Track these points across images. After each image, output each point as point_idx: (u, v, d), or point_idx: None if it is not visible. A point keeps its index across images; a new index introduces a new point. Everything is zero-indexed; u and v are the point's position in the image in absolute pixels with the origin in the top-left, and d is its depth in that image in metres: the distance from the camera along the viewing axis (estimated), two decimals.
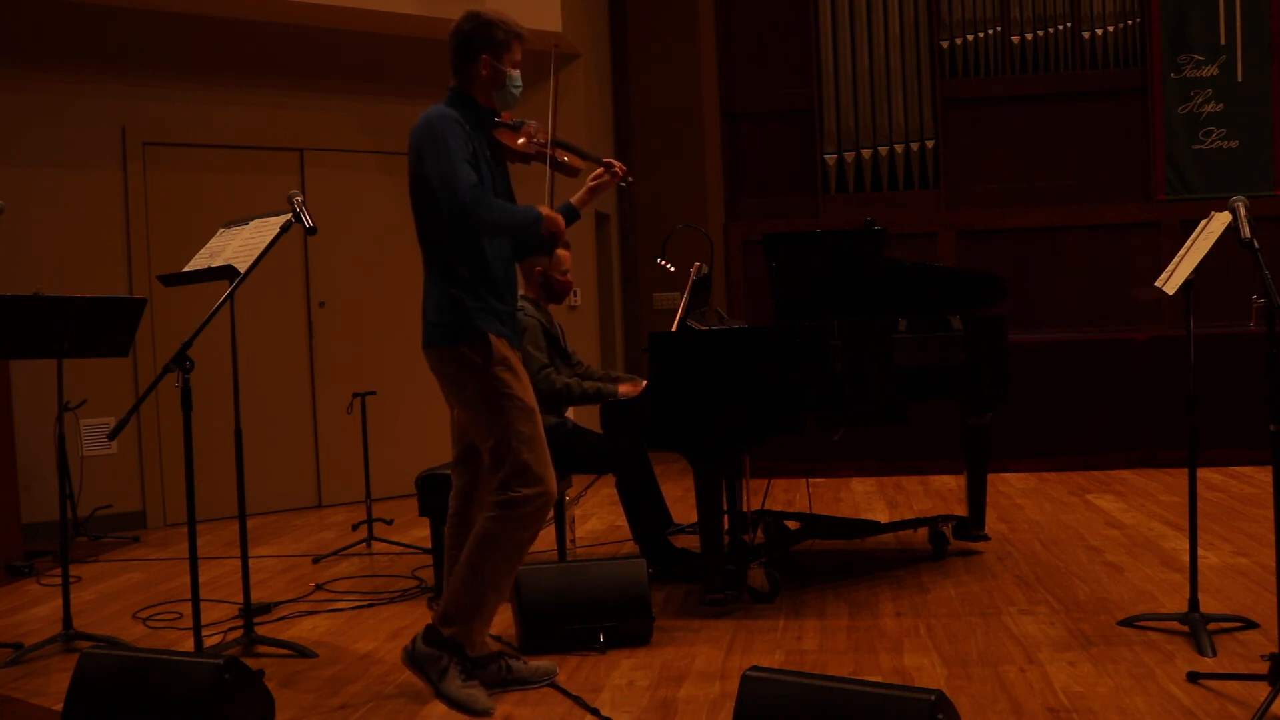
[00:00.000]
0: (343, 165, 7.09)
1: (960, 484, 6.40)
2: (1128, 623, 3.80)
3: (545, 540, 5.14)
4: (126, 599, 4.81)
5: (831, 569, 4.83)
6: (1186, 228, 4.33)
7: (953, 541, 5.05)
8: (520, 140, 3.32)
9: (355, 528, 5.88)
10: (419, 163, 3.18)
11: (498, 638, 3.74)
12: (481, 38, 3.25)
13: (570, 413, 4.90)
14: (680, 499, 6.32)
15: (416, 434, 6.92)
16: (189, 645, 3.61)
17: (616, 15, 9.15)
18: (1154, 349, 7.29)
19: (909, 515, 5.79)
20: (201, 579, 4.00)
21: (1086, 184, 8.94)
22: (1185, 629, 3.63)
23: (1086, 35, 8.82)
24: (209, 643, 3.84)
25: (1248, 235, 3.07)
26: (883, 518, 5.82)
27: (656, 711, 3.16)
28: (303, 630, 4.18)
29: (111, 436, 3.18)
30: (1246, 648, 3.50)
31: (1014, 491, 6.59)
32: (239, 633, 3.92)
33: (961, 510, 5.33)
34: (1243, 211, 3.17)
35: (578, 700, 3.25)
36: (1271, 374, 3.02)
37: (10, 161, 6.18)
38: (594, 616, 3.73)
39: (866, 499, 6.58)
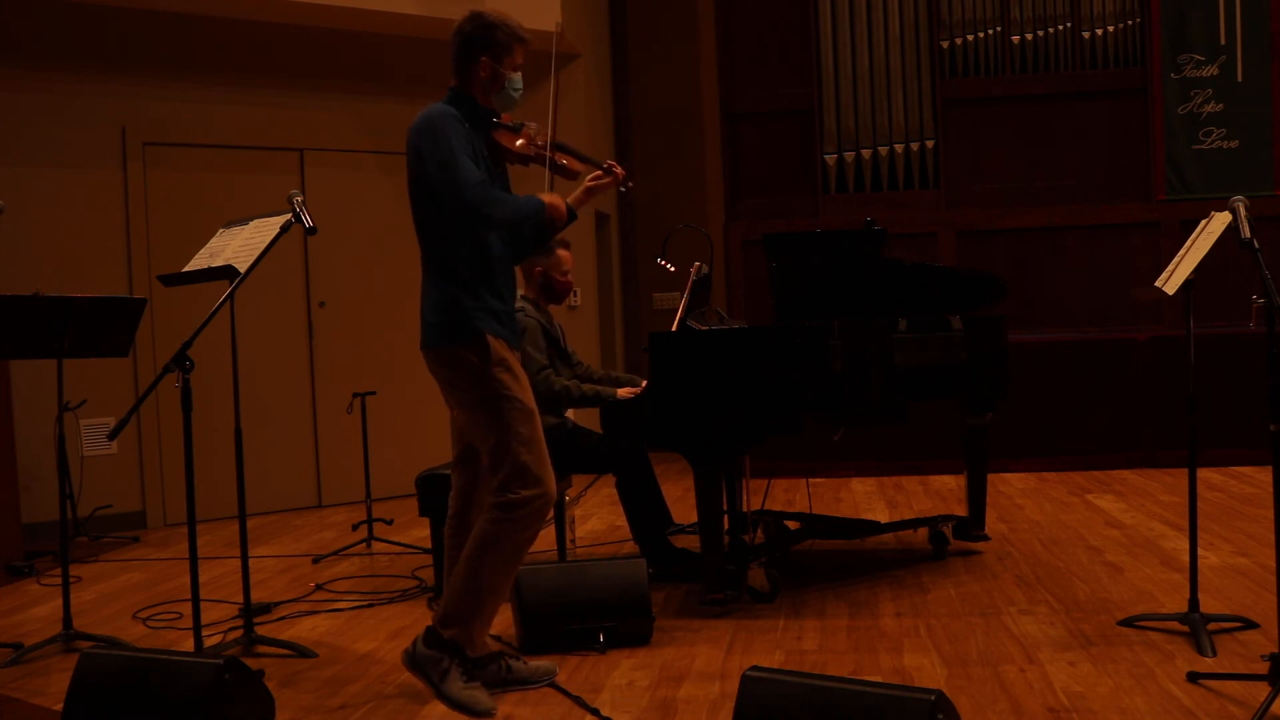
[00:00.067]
0: (343, 165, 7.09)
1: (960, 484, 6.40)
2: (1128, 623, 3.80)
3: (545, 540, 5.14)
4: (126, 599, 4.81)
5: (831, 569, 4.83)
6: (1186, 228, 4.33)
7: (953, 541, 5.05)
8: (520, 142, 3.32)
9: (355, 528, 5.88)
10: (419, 161, 3.17)
11: (498, 638, 3.74)
12: (482, 39, 3.25)
13: (570, 413, 4.90)
14: (680, 499, 6.32)
15: (416, 434, 6.92)
16: (189, 645, 3.61)
17: (616, 15, 9.15)
18: (1154, 349, 7.29)
19: (909, 515, 5.79)
20: (201, 579, 4.00)
21: (1086, 184, 8.94)
22: (1185, 629, 3.63)
23: (1086, 35, 8.82)
24: (209, 643, 3.84)
25: (1248, 235, 3.07)
26: (883, 518, 5.82)
27: (656, 711, 3.16)
28: (303, 630, 4.18)
29: (111, 436, 3.18)
30: (1246, 648, 3.50)
31: (1014, 491, 6.59)
32: (239, 633, 3.92)
33: (961, 510, 5.33)
34: (1243, 211, 3.17)
35: (578, 700, 3.25)
36: (1271, 374, 3.02)
37: (10, 161, 6.18)
38: (594, 616, 3.73)
39: (866, 499, 6.58)
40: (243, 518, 3.97)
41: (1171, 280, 3.59)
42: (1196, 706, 3.03)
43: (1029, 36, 8.86)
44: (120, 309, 4.19)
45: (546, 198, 3.28)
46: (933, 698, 2.27)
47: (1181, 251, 3.65)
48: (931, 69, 8.94)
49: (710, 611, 4.13)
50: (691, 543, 4.78)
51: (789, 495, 6.74)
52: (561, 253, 4.68)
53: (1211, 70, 8.70)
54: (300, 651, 3.83)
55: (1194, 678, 3.21)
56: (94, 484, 6.30)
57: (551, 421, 4.64)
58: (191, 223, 6.23)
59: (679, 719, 3.11)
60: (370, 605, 4.52)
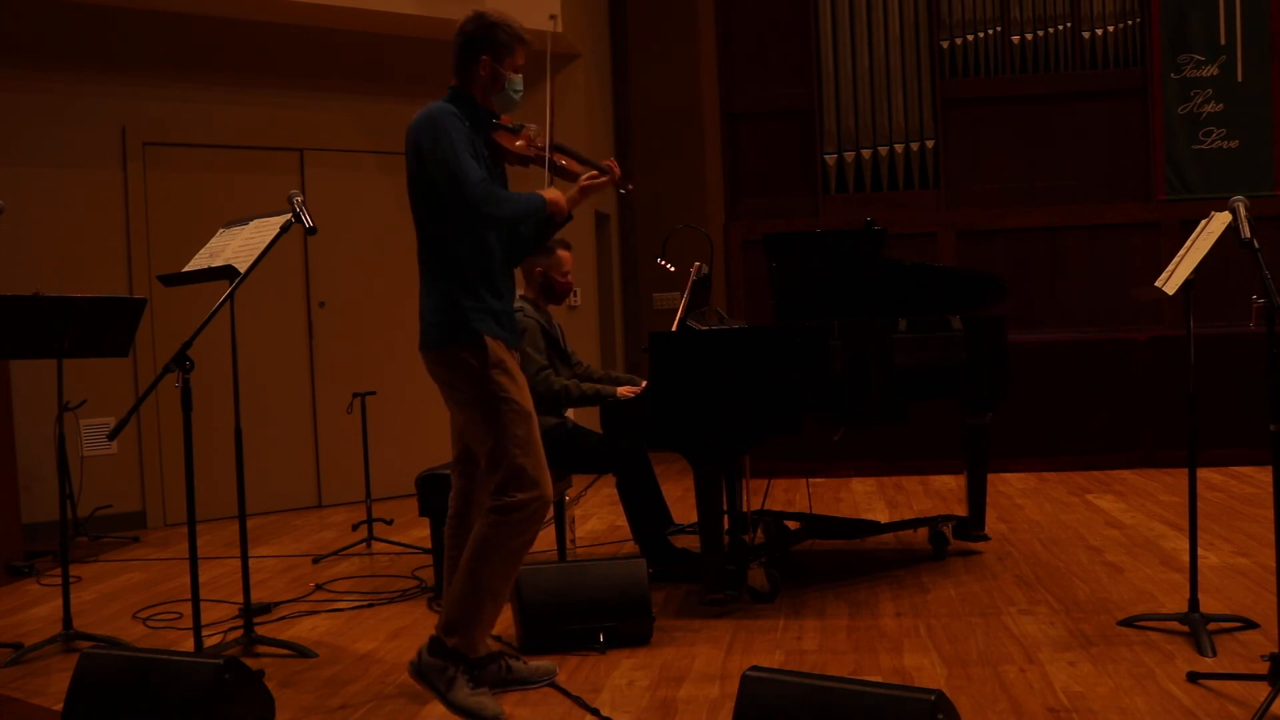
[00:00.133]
0: (343, 165, 7.09)
1: (960, 484, 6.40)
2: (1128, 623, 3.80)
3: (545, 540, 5.14)
4: (126, 599, 4.81)
5: (831, 569, 4.83)
6: (1186, 228, 4.33)
7: (953, 541, 5.05)
8: (519, 143, 3.32)
9: (355, 528, 5.88)
10: (419, 159, 3.15)
11: (498, 638, 3.74)
12: (484, 38, 3.24)
13: (570, 413, 4.90)
14: (680, 499, 6.32)
15: (416, 434, 6.92)
16: (189, 645, 3.61)
17: (616, 15, 9.15)
18: (1154, 349, 7.29)
19: (909, 515, 5.79)
20: (201, 579, 4.00)
21: (1086, 184, 8.94)
22: (1185, 629, 3.63)
23: (1086, 35, 8.82)
24: (209, 643, 3.84)
25: (1248, 235, 3.07)
26: (883, 518, 5.83)
27: (656, 711, 3.16)
28: (303, 630, 4.18)
29: (111, 436, 3.17)
30: (1246, 648, 3.50)
31: (1014, 491, 6.59)
32: (239, 633, 3.92)
33: (961, 510, 5.33)
34: (1243, 211, 3.17)
35: (578, 700, 3.25)
36: (1271, 374, 3.02)
37: (10, 161, 6.18)
38: (594, 616, 3.73)
39: (866, 499, 6.58)
40: (243, 518, 3.97)
41: (1171, 280, 3.59)
42: (1196, 706, 3.03)
43: (1029, 36, 8.86)
44: (120, 309, 4.19)
45: (547, 194, 3.29)
46: (933, 698, 2.27)
47: (1181, 251, 3.65)
48: (931, 69, 8.94)
49: (710, 611, 4.13)
50: (691, 543, 4.78)
51: (789, 495, 6.74)
52: (561, 253, 4.68)
53: (1211, 70, 8.70)
54: (300, 651, 3.83)
55: (1194, 678, 3.21)
56: (94, 484, 6.30)
57: (551, 421, 4.64)
58: (191, 223, 6.23)
59: (679, 719, 3.11)
60: (370, 605, 4.52)
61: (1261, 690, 3.01)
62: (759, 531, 4.98)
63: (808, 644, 3.74)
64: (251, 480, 4.48)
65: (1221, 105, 8.69)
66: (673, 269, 5.25)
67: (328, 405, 6.96)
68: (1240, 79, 8.68)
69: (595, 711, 3.16)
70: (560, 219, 3.39)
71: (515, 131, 3.34)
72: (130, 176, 6.51)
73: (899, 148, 8.92)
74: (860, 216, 5.80)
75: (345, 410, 6.10)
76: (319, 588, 4.86)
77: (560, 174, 3.38)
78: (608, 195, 8.41)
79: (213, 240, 3.89)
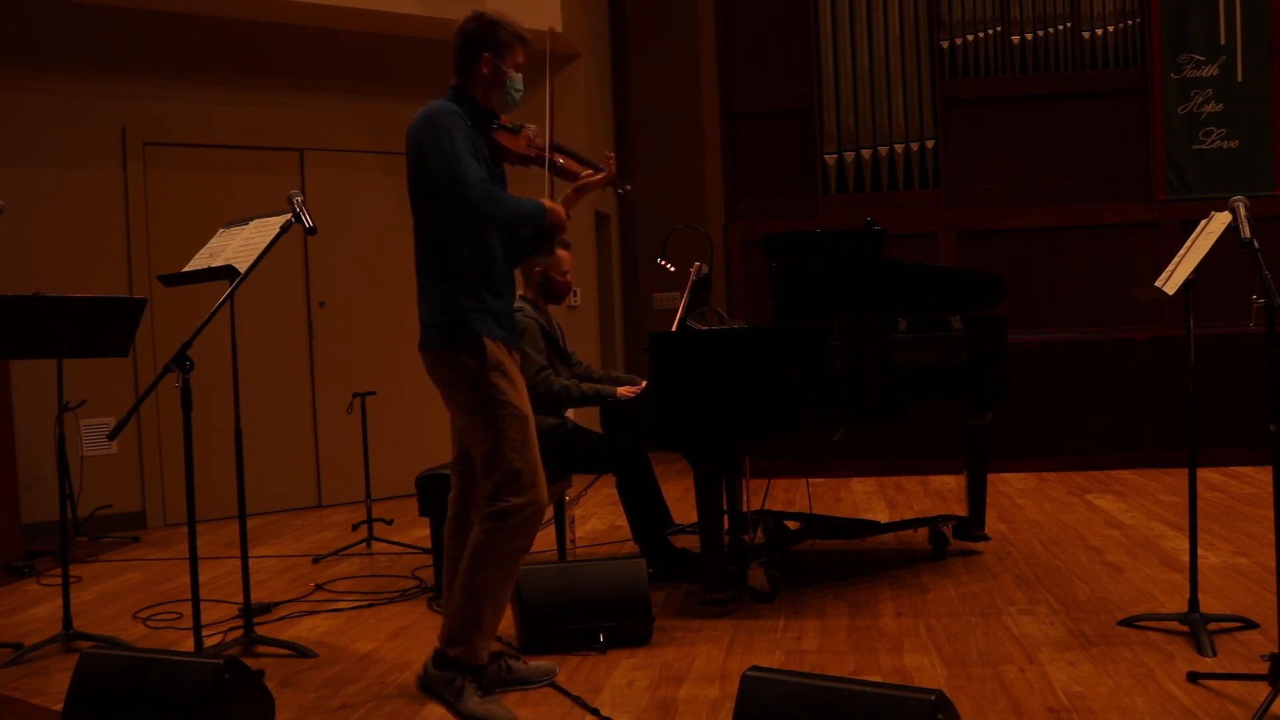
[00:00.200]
0: (343, 165, 7.09)
1: (960, 484, 6.40)
2: (1128, 623, 3.80)
3: (545, 540, 5.15)
4: (126, 599, 4.81)
5: (831, 569, 4.83)
6: (1186, 228, 4.33)
7: (953, 541, 5.05)
8: (519, 143, 3.32)
9: (355, 528, 5.88)
10: (420, 157, 3.14)
11: (497, 638, 3.74)
12: (486, 36, 3.24)
13: (570, 413, 4.90)
14: (680, 499, 6.32)
15: (416, 434, 6.92)
16: (189, 645, 3.61)
17: (616, 15, 9.15)
18: (1154, 349, 7.29)
19: (909, 515, 5.79)
20: (201, 579, 4.00)
21: (1086, 184, 8.94)
22: (1185, 629, 3.63)
23: (1086, 35, 8.82)
24: (209, 643, 3.84)
25: (1248, 235, 3.07)
26: (883, 518, 5.83)
27: (656, 711, 3.16)
28: (303, 630, 4.18)
29: (111, 436, 3.17)
30: (1246, 648, 3.50)
31: (1014, 491, 6.59)
32: (239, 633, 3.92)
33: (961, 510, 5.33)
34: (1243, 211, 3.17)
35: (578, 700, 3.25)
36: (1271, 374, 3.02)
37: (10, 161, 6.18)
38: (594, 616, 3.73)
39: (866, 499, 6.58)
40: (243, 518, 3.96)
41: (1171, 280, 3.59)
42: (1196, 706, 3.03)
43: (1029, 36, 8.86)
44: (120, 309, 4.19)
45: (548, 203, 3.26)
46: (933, 698, 2.27)
47: (1181, 251, 3.65)
48: (931, 69, 8.94)
49: (710, 611, 4.13)
50: (691, 543, 4.79)
51: (789, 495, 6.74)
52: (561, 253, 4.68)
53: (1211, 70, 8.70)
54: (300, 651, 3.83)
55: (1194, 678, 3.21)
56: (94, 484, 6.30)
57: (551, 421, 4.64)
58: (191, 223, 6.24)
59: (679, 719, 3.11)
60: (370, 605, 4.52)
61: (1261, 690, 3.01)
62: (759, 531, 4.98)
63: (808, 644, 3.74)
64: (251, 480, 4.48)
65: (1221, 105, 8.69)
66: (673, 269, 5.25)
67: (328, 405, 6.96)
68: (1240, 79, 8.68)
69: (595, 711, 3.16)
70: (560, 229, 3.36)
71: (515, 131, 3.34)
72: (130, 176, 6.51)
73: (899, 148, 8.92)
74: (860, 216, 5.80)
75: (345, 410, 6.10)
76: (319, 588, 4.86)
77: (560, 174, 3.38)
78: (608, 195, 8.41)
79: (213, 240, 3.89)
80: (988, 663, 3.47)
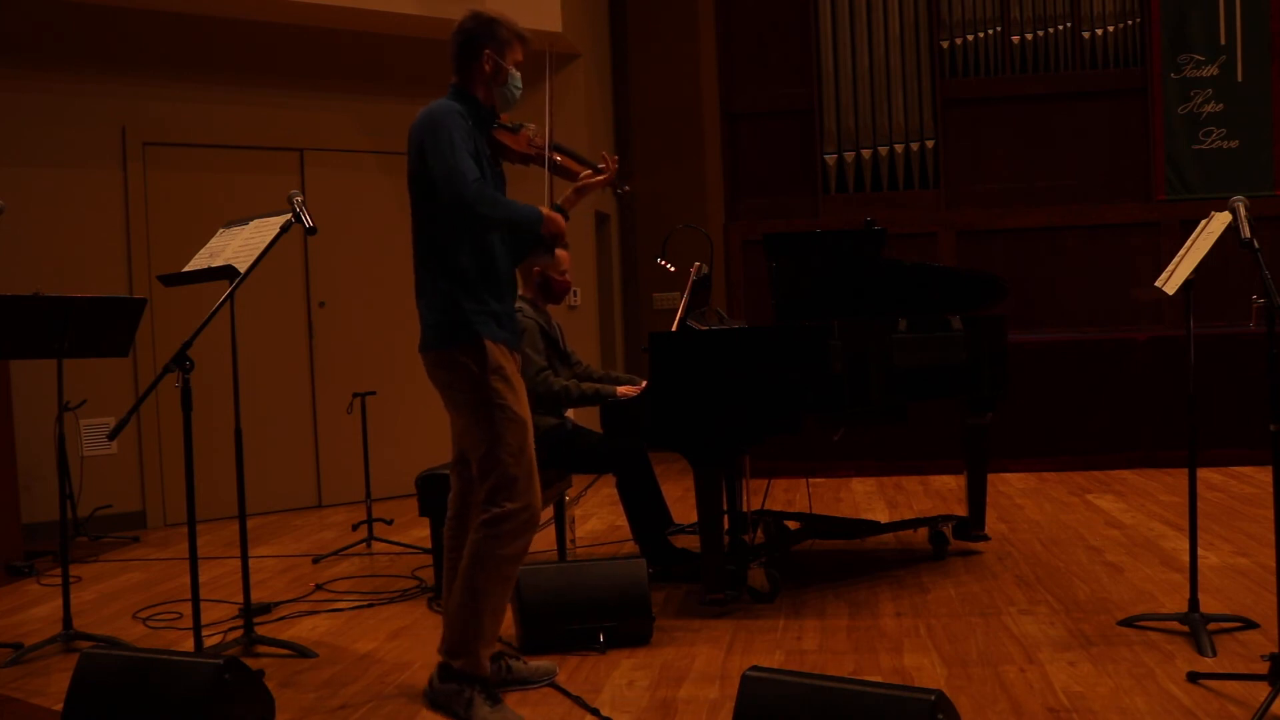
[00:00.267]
0: (343, 165, 7.10)
1: (960, 484, 6.40)
2: (1128, 623, 3.80)
3: (545, 540, 5.15)
4: (126, 599, 4.81)
5: (831, 569, 4.83)
6: (1186, 228, 4.34)
7: (953, 541, 5.05)
8: (519, 142, 3.32)
9: (355, 528, 5.88)
10: (420, 156, 3.14)
11: (498, 638, 3.74)
12: (485, 34, 3.24)
13: (570, 413, 4.90)
14: (680, 499, 6.32)
15: (416, 434, 6.92)
16: (189, 645, 3.61)
17: (616, 15, 9.15)
18: (1154, 349, 7.29)
19: (909, 515, 5.79)
20: (201, 579, 4.00)
21: (1086, 184, 8.94)
22: (1185, 629, 3.63)
23: (1086, 35, 8.82)
24: (209, 643, 3.84)
25: (1248, 235, 3.07)
26: (883, 518, 5.83)
27: (656, 711, 3.16)
28: (303, 630, 4.18)
29: (111, 436, 3.17)
30: (1246, 648, 3.50)
31: (1014, 491, 6.59)
32: (239, 633, 3.92)
33: (961, 510, 5.33)
34: (1243, 211, 3.17)
35: (578, 700, 3.25)
36: (1271, 374, 3.02)
37: (10, 161, 6.18)
38: (594, 616, 3.73)
39: (866, 499, 6.58)
40: (243, 518, 3.96)
41: (1171, 280, 3.59)
42: (1196, 706, 3.03)
43: (1029, 36, 8.86)
44: (120, 309, 4.19)
45: (546, 211, 3.24)
46: (933, 698, 2.27)
47: (1181, 251, 3.65)
48: (931, 69, 8.94)
49: (710, 611, 4.13)
50: (691, 543, 4.79)
51: (789, 495, 6.74)
52: (560, 252, 4.66)
53: (1211, 70, 8.70)
54: (300, 651, 3.83)
55: (1194, 678, 3.21)
56: (94, 484, 6.30)
57: (551, 422, 4.64)
58: (191, 223, 6.24)
59: (679, 719, 3.11)
60: (370, 605, 4.52)
61: (1261, 690, 3.01)
62: (759, 531, 4.98)
63: (808, 644, 3.74)
64: (251, 480, 4.49)
65: (1221, 105, 8.69)
66: (673, 269, 5.25)
67: (328, 405, 6.97)
68: (1240, 79, 8.68)
69: (595, 711, 3.16)
70: (558, 237, 3.33)
71: (515, 131, 3.34)
72: (130, 176, 6.51)
73: (899, 148, 8.92)
74: (860, 216, 5.80)
75: (345, 410, 6.10)
76: (319, 588, 4.86)
77: (559, 173, 3.37)
78: (608, 195, 8.41)
79: (213, 240, 3.89)
80: (988, 663, 3.47)
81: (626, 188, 3.57)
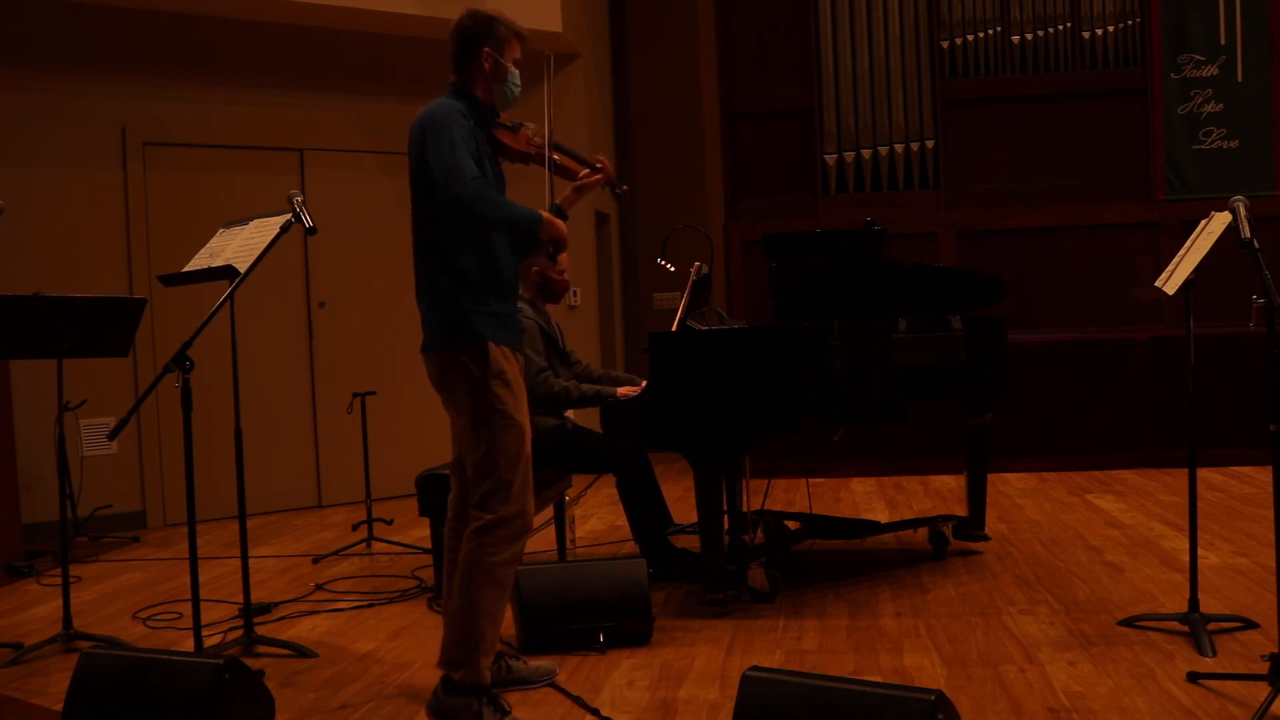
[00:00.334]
0: (343, 165, 7.10)
1: (960, 484, 6.40)
2: (1128, 623, 3.80)
3: (545, 540, 5.15)
4: (126, 599, 4.81)
5: (831, 569, 4.83)
6: (1186, 228, 4.34)
7: (953, 541, 5.05)
8: (519, 141, 3.32)
9: (355, 528, 5.88)
10: (421, 155, 3.13)
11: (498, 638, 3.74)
12: (484, 32, 3.24)
13: (570, 413, 4.90)
14: (680, 499, 6.32)
15: (416, 434, 6.92)
16: (189, 645, 3.61)
17: (616, 15, 9.15)
18: (1154, 349, 7.29)
19: (909, 515, 5.79)
20: (201, 579, 4.00)
21: (1086, 184, 8.94)
22: (1185, 629, 3.63)
23: (1086, 35, 8.82)
24: (209, 643, 3.84)
25: (1248, 235, 3.07)
26: (883, 518, 5.83)
27: (656, 711, 3.16)
28: (303, 630, 4.18)
29: (111, 436, 3.17)
30: (1246, 648, 3.50)
31: (1014, 491, 6.59)
32: (239, 633, 3.92)
33: (961, 510, 5.33)
34: (1243, 211, 3.17)
35: (578, 700, 3.25)
36: (1271, 374, 3.02)
37: (10, 161, 6.18)
38: (594, 616, 3.73)
39: (866, 499, 6.58)
40: (243, 518, 3.96)
41: (1171, 280, 3.59)
42: (1196, 706, 3.03)
43: (1029, 36, 8.86)
44: (120, 309, 4.19)
45: (546, 215, 3.22)
46: (933, 698, 2.27)
47: (1181, 251, 3.65)
48: (931, 69, 8.94)
49: (710, 611, 4.13)
50: (691, 543, 4.78)
51: (789, 495, 6.74)
52: None
53: (1211, 70, 8.70)
54: (300, 651, 3.83)
55: (1194, 678, 3.21)
56: (94, 484, 6.30)
57: (551, 422, 4.64)
58: (191, 223, 6.24)
59: (679, 719, 3.11)
60: (370, 605, 4.52)
61: (1261, 690, 3.01)
62: (759, 531, 4.97)
63: (808, 644, 3.74)
64: (251, 480, 4.48)
65: (1221, 105, 8.69)
66: (673, 269, 5.24)
67: (328, 405, 6.97)
68: (1240, 79, 8.68)
69: (595, 711, 3.16)
70: (558, 242, 3.32)
71: (514, 130, 3.34)
72: (130, 176, 6.51)
73: (899, 148, 8.92)
74: (860, 216, 5.80)
75: (345, 410, 6.10)
76: (319, 588, 4.86)
77: (559, 172, 3.37)
78: (607, 195, 8.40)
79: (213, 240, 3.89)
80: (988, 663, 3.47)
81: (625, 187, 3.57)
